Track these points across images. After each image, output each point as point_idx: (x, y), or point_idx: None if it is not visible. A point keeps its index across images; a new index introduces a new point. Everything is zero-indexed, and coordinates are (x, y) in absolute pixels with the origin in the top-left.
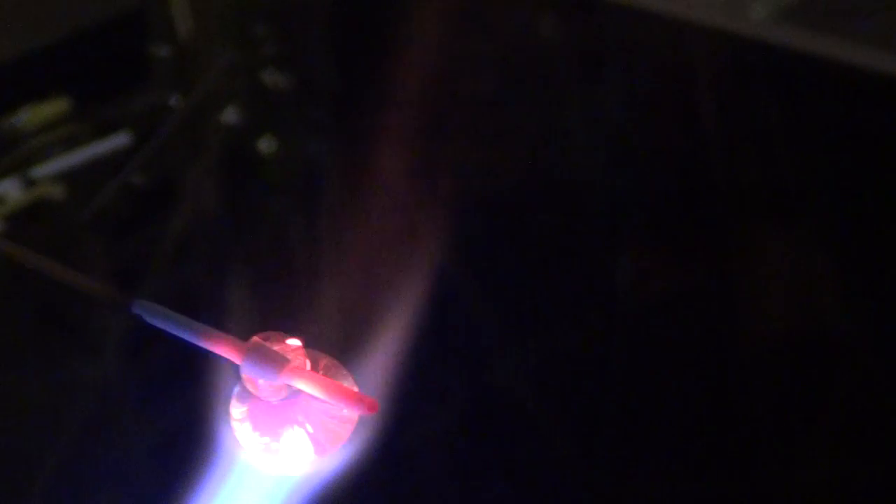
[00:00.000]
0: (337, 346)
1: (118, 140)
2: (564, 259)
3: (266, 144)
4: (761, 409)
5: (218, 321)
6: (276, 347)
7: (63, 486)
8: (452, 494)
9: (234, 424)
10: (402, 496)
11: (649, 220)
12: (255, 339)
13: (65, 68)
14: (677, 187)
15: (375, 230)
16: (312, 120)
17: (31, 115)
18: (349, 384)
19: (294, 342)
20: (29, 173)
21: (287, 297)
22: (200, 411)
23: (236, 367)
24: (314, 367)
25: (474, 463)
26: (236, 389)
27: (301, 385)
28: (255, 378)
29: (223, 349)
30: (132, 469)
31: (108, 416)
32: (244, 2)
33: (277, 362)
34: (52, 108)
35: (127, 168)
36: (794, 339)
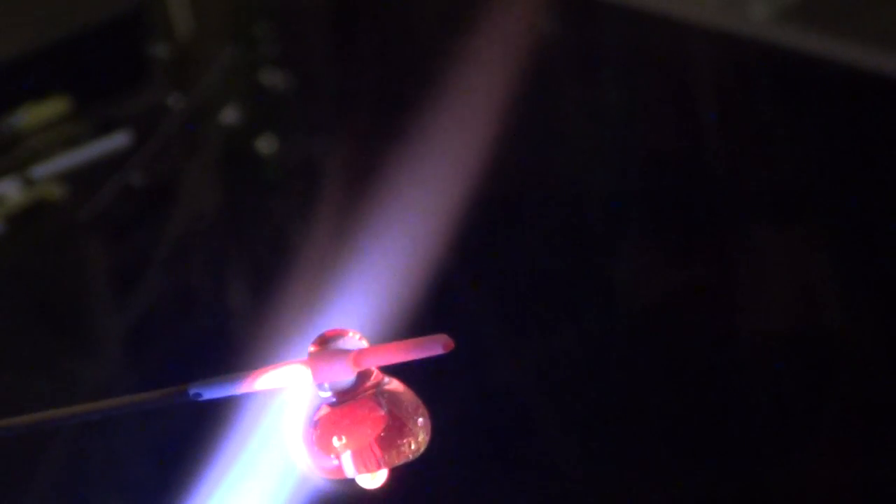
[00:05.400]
0: None
1: (118, 140)
2: (564, 259)
3: (266, 144)
4: (761, 409)
5: (218, 321)
6: (332, 346)
7: (63, 487)
8: (453, 493)
9: (307, 438)
10: (403, 495)
11: (649, 220)
12: (312, 348)
13: (65, 68)
14: (677, 187)
15: (375, 230)
16: (312, 120)
17: (31, 115)
18: (416, 406)
19: (348, 334)
20: (29, 173)
21: (286, 297)
22: (200, 412)
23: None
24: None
25: (474, 462)
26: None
27: (374, 362)
28: (330, 381)
29: (287, 380)
30: (132, 469)
31: (107, 420)
32: (244, 2)
33: (342, 358)
34: (52, 108)
35: (127, 168)
36: (794, 338)
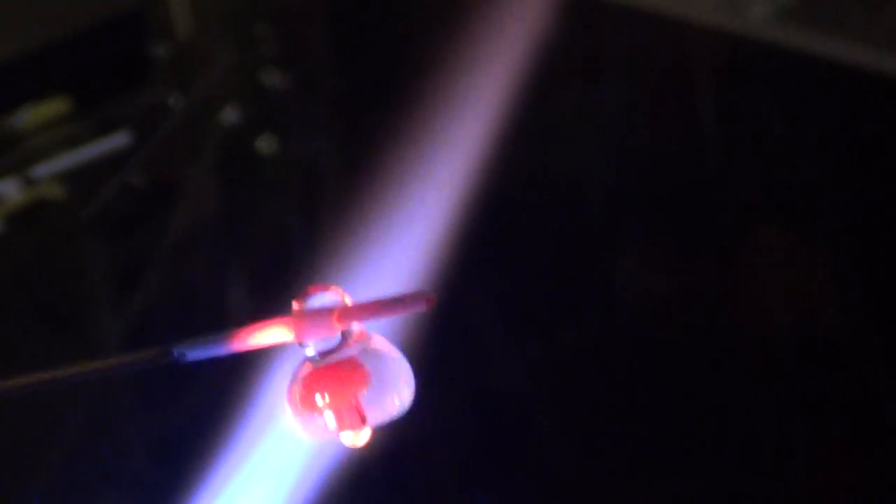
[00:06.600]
0: None
1: (118, 140)
2: (564, 259)
3: (266, 144)
4: (761, 409)
5: (218, 320)
6: (315, 303)
7: (63, 486)
8: (452, 493)
9: (291, 396)
10: (403, 495)
11: (649, 220)
12: (295, 305)
13: (65, 68)
14: (677, 187)
15: (375, 230)
16: (312, 120)
17: (31, 115)
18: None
19: (331, 292)
20: (29, 173)
21: (286, 297)
22: (199, 411)
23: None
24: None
25: (474, 462)
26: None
27: (356, 320)
28: (314, 339)
29: (270, 338)
30: (132, 469)
31: (108, 416)
32: (244, 2)
33: (326, 315)
34: (52, 108)
35: (127, 168)
36: (794, 339)
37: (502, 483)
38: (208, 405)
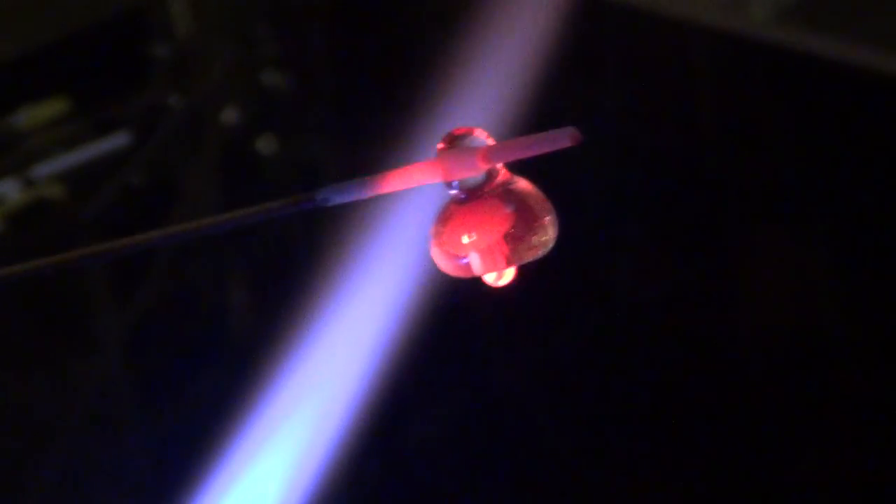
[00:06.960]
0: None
1: (118, 140)
2: (564, 259)
3: (266, 144)
4: (761, 409)
5: (218, 321)
6: (460, 143)
7: (63, 486)
8: (453, 493)
9: (437, 235)
10: (403, 494)
11: (648, 221)
12: (441, 146)
13: (65, 68)
14: (677, 187)
15: (375, 230)
16: (312, 120)
17: (31, 115)
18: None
19: (476, 132)
20: (29, 173)
21: (286, 297)
22: (199, 411)
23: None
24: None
25: (474, 462)
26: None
27: (502, 158)
28: (459, 179)
29: (416, 179)
30: (132, 469)
31: (108, 416)
32: (244, 2)
33: (471, 155)
34: (52, 108)
35: (127, 168)
36: (794, 339)
37: (501, 483)
38: (209, 405)
